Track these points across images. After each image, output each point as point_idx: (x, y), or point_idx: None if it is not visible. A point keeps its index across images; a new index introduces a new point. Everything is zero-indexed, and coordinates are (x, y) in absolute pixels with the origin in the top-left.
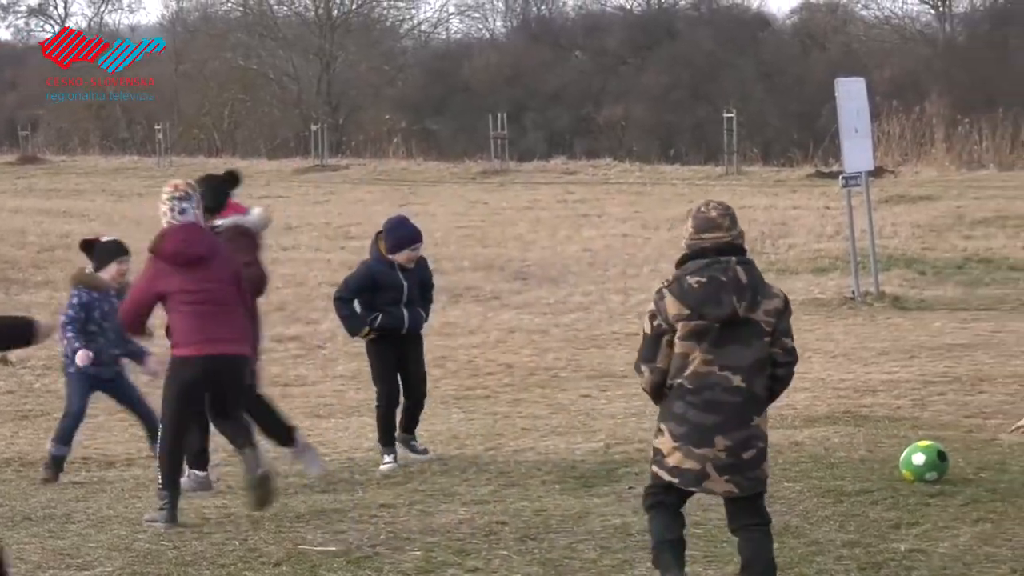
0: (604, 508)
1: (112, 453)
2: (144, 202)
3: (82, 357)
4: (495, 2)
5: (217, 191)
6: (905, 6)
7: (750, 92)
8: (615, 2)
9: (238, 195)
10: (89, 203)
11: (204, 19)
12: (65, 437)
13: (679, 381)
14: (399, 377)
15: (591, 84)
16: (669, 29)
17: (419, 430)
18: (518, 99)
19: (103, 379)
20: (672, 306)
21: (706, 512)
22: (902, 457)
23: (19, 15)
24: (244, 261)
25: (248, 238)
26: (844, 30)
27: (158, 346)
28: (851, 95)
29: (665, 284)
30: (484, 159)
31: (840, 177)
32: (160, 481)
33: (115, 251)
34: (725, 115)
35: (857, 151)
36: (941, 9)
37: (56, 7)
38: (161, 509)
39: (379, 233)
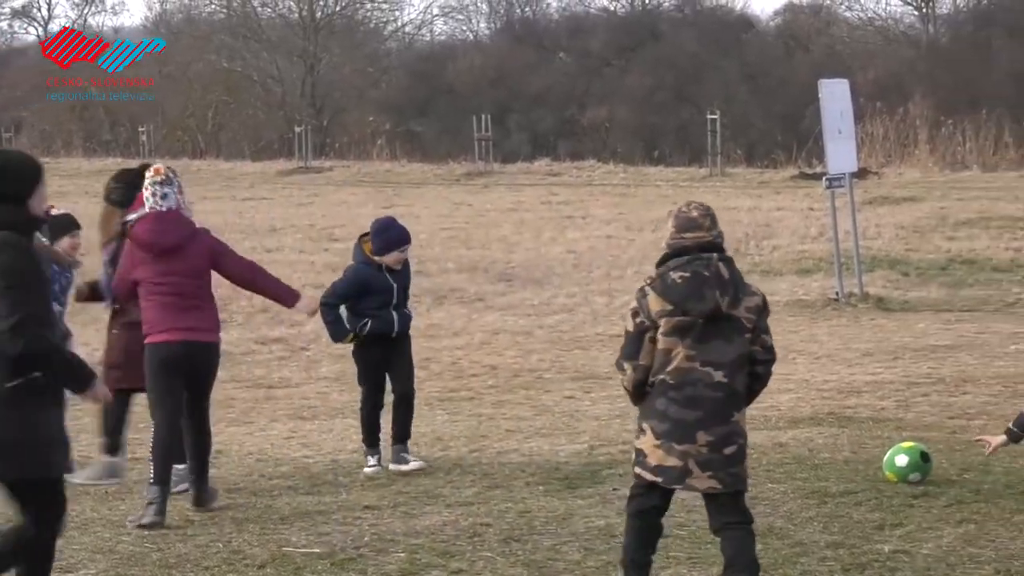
0: (588, 510)
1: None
2: None
3: None
4: (479, 4)
5: (128, 186)
6: (888, 7)
7: (734, 94)
8: (599, 4)
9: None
10: (72, 205)
11: (188, 21)
12: None
13: (661, 377)
14: (386, 376)
15: (575, 86)
16: (653, 31)
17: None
18: (502, 101)
19: None
20: (655, 302)
21: (690, 513)
22: (885, 458)
23: (2, 17)
24: None
25: None
26: (828, 31)
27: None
28: (835, 96)
29: (647, 282)
30: (468, 161)
31: (824, 178)
32: (151, 476)
33: (68, 225)
34: (709, 117)
35: (841, 152)
36: (924, 10)
37: (39, 9)
38: (150, 504)
39: (363, 236)
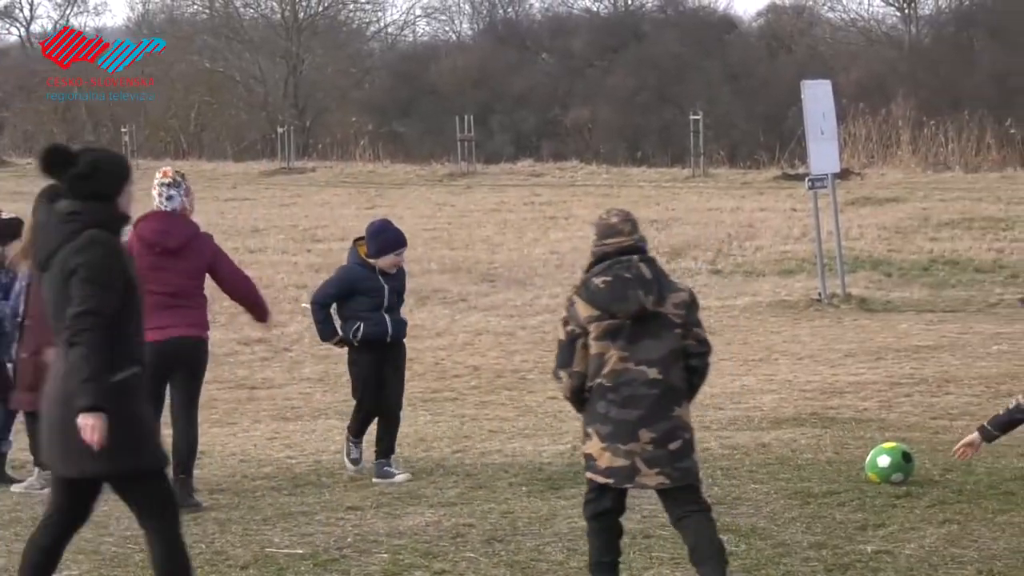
0: (571, 510)
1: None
2: None
3: None
4: (461, 4)
5: None
6: (871, 8)
7: (716, 94)
8: (581, 4)
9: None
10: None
11: (170, 21)
12: None
13: (598, 381)
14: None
15: (558, 86)
16: (635, 31)
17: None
18: (485, 101)
19: None
20: (583, 309)
21: None
22: (867, 459)
23: None
24: None
25: None
26: (810, 32)
27: None
28: (817, 97)
29: (573, 290)
30: (451, 161)
31: (806, 179)
32: None
33: (18, 229)
34: (692, 117)
35: (823, 153)
36: (907, 11)
37: (22, 9)
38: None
39: (358, 239)
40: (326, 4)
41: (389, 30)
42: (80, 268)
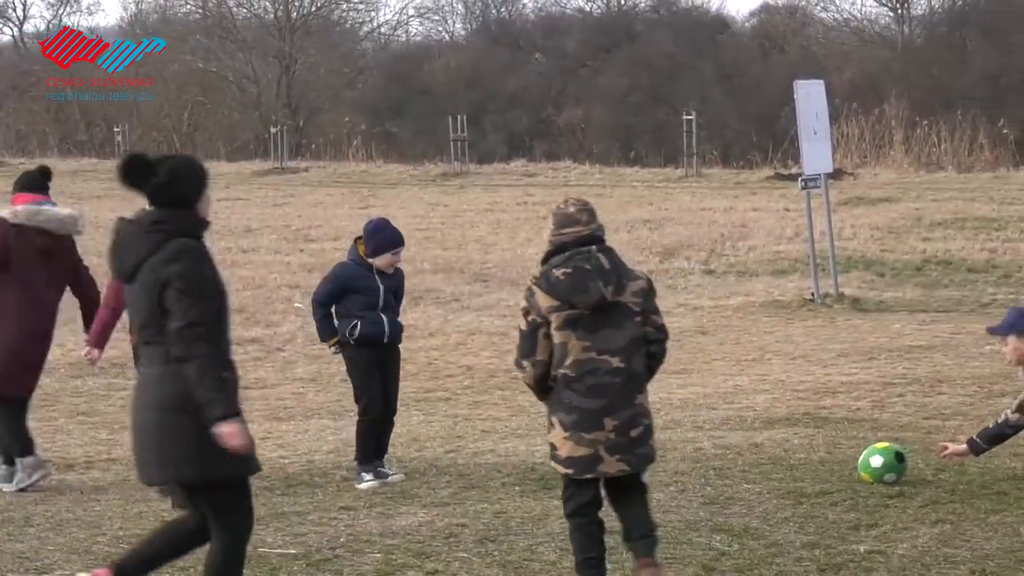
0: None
1: (71, 456)
2: (103, 204)
3: None
4: (454, 4)
5: (22, 184)
6: (864, 8)
7: (709, 94)
8: (574, 4)
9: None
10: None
11: (163, 21)
12: None
13: (562, 371)
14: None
15: (551, 86)
16: (628, 31)
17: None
18: (478, 101)
19: None
20: (543, 299)
21: (665, 514)
22: (860, 459)
23: None
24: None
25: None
26: (803, 32)
27: None
28: (810, 97)
29: (533, 281)
30: (444, 161)
31: (799, 179)
32: None
33: None
34: (684, 117)
35: (816, 153)
36: (900, 11)
37: (15, 9)
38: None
39: (358, 238)
40: (319, 4)
41: (382, 30)
42: (174, 280)
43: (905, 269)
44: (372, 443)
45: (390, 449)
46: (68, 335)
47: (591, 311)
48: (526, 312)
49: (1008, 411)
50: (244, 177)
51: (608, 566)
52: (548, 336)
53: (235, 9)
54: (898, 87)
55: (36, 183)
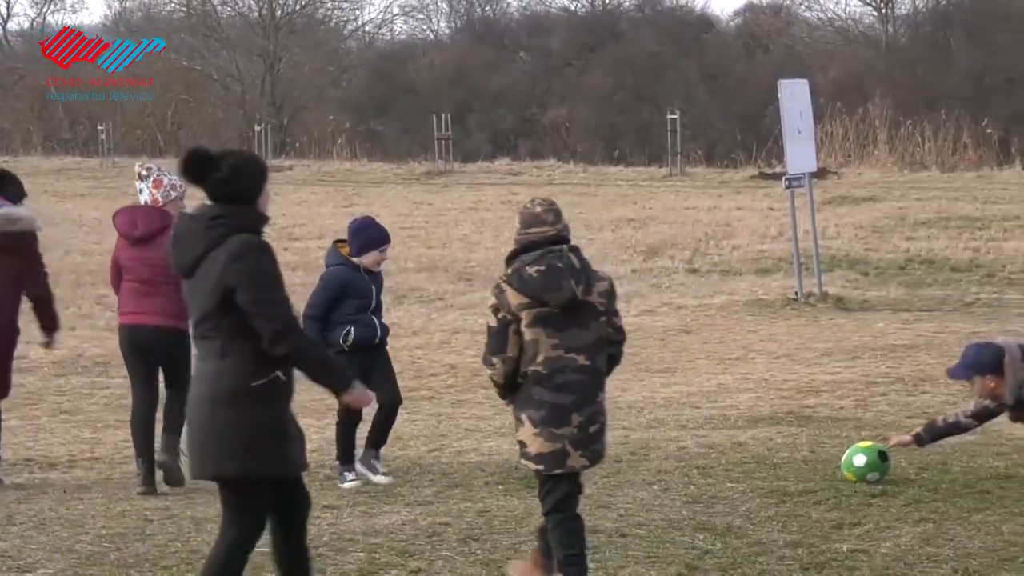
0: None
1: (54, 455)
2: (86, 202)
3: None
4: (439, 3)
5: None
6: (848, 8)
7: (694, 93)
8: (559, 3)
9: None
10: (31, 204)
11: (147, 19)
12: None
13: (533, 368)
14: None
15: (535, 85)
16: (613, 30)
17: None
18: (462, 100)
19: None
20: (514, 297)
21: (648, 513)
22: (843, 458)
23: None
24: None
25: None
26: (787, 32)
27: None
28: (794, 97)
29: (503, 279)
30: (428, 160)
31: (783, 178)
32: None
33: None
34: (669, 116)
35: (800, 152)
36: (884, 11)
37: None
38: (136, 475)
39: (337, 241)
40: (303, 2)
41: (367, 28)
42: (246, 282)
43: (889, 268)
44: (353, 444)
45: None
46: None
47: (560, 309)
48: (496, 309)
49: (962, 414)
50: None
51: (591, 565)
52: (518, 333)
53: (219, 7)
54: (882, 86)
55: None
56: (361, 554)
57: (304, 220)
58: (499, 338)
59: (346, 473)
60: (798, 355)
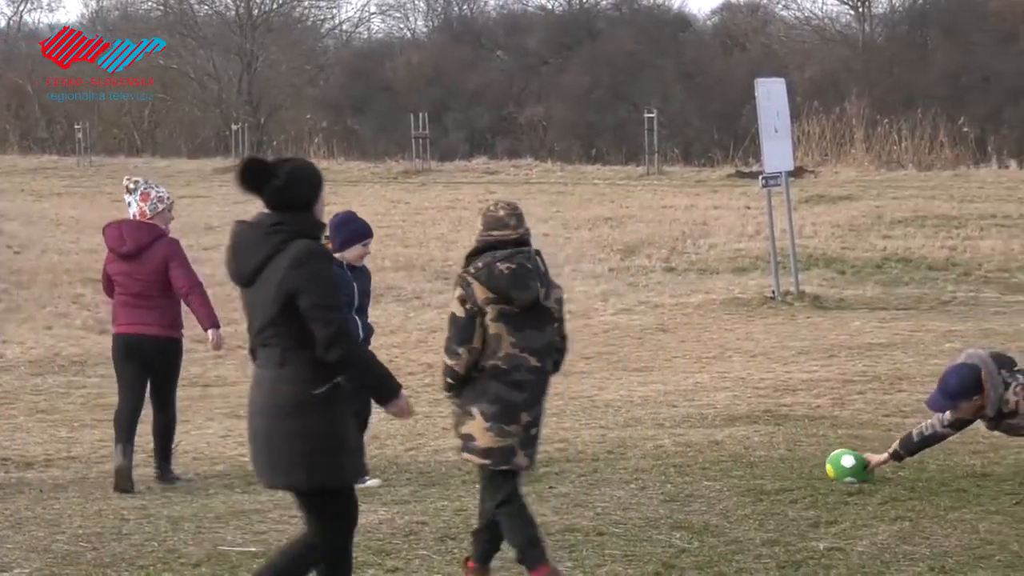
0: None
1: (30, 454)
2: (63, 201)
3: None
4: (416, 2)
5: None
6: (825, 7)
7: (671, 92)
8: (536, 2)
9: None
10: (8, 203)
11: (124, 18)
12: None
13: (493, 362)
14: None
15: (512, 84)
16: (590, 29)
17: None
18: (439, 99)
19: None
20: (480, 291)
21: (626, 512)
22: (833, 453)
23: None
24: None
25: None
26: (764, 31)
27: None
28: (771, 95)
29: (470, 272)
30: (405, 159)
31: (760, 177)
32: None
33: None
34: (646, 115)
35: (777, 151)
36: (860, 10)
37: None
38: (114, 456)
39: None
40: (280, 1)
41: (344, 27)
42: (306, 288)
43: (865, 267)
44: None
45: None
46: (28, 333)
47: (521, 310)
48: (463, 300)
49: (938, 424)
50: (205, 174)
51: (568, 564)
52: (483, 326)
53: (196, 6)
54: (859, 85)
55: None
56: None
57: None
58: (467, 329)
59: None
60: (775, 354)
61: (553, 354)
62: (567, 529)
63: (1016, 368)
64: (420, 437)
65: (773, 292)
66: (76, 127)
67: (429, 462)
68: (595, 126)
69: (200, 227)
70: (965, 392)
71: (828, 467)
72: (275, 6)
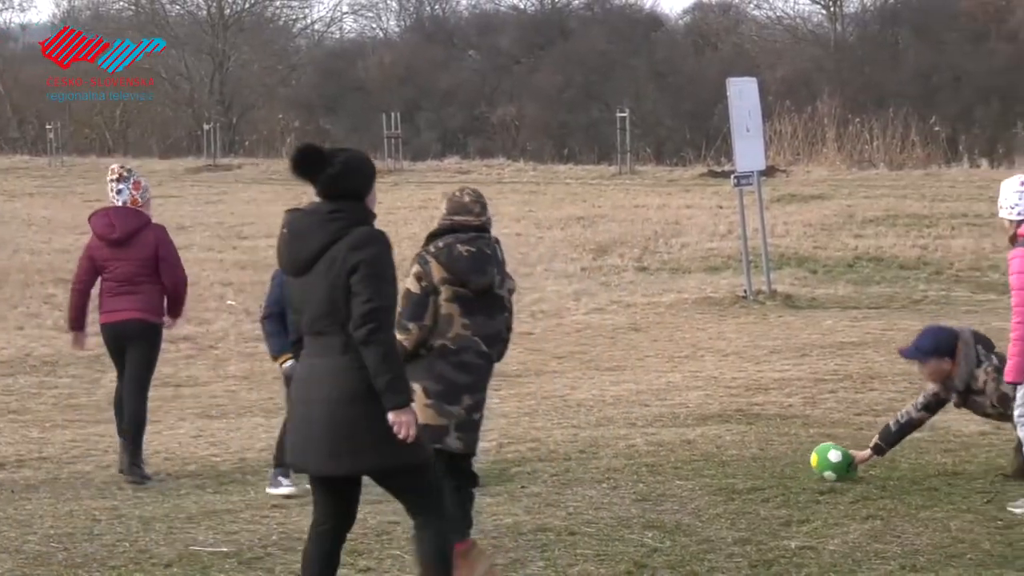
0: (496, 507)
1: (2, 455)
2: (35, 201)
3: None
4: (388, 1)
5: None
6: (797, 6)
7: (643, 92)
8: (508, 1)
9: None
10: None
11: (96, 18)
12: None
13: (442, 342)
14: None
15: (485, 83)
16: (562, 28)
17: None
18: (412, 98)
19: None
20: (437, 270)
21: (597, 511)
22: (821, 445)
23: None
24: None
25: None
26: (736, 30)
27: None
28: (743, 95)
29: (430, 252)
30: (378, 158)
31: (732, 176)
32: None
33: None
34: (618, 115)
35: (749, 151)
36: (832, 9)
37: None
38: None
39: None
40: (252, 1)
41: (316, 27)
42: (363, 265)
43: (837, 266)
44: None
45: None
46: None
47: (475, 294)
48: (419, 277)
49: (912, 410)
50: (177, 174)
51: (540, 563)
52: (436, 305)
53: (168, 5)
54: (831, 85)
55: None
56: None
57: (253, 219)
58: (420, 306)
59: (282, 479)
60: (747, 353)
61: (499, 344)
62: (539, 529)
63: (994, 351)
64: None
65: (745, 291)
66: (48, 127)
67: None
68: (567, 126)
69: (172, 227)
70: (938, 350)
71: (813, 456)
72: (247, 6)
